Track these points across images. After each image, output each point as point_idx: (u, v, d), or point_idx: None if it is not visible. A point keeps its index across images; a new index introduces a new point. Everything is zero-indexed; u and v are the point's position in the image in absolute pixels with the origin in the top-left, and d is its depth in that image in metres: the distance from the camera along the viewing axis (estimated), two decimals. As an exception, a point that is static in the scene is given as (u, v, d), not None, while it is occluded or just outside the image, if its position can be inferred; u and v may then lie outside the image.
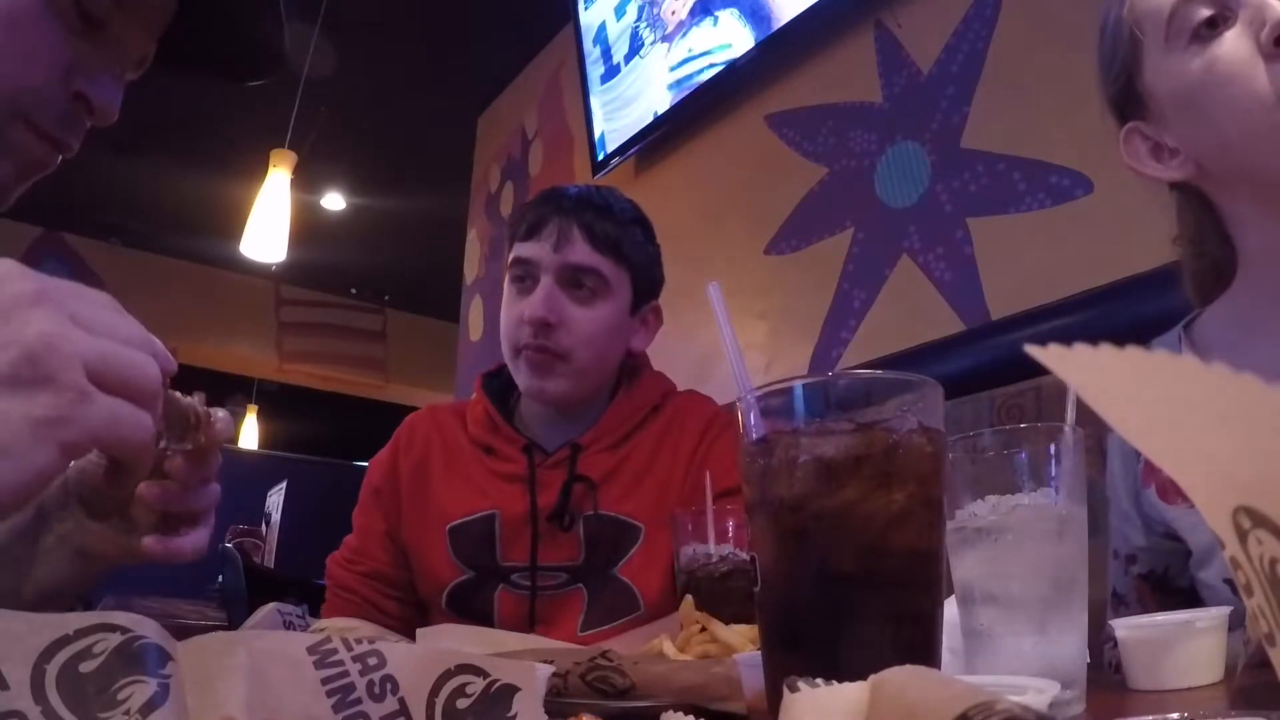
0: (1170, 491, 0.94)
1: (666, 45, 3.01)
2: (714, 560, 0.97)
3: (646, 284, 1.35)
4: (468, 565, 1.26)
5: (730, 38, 2.72)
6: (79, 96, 0.78)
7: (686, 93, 2.85)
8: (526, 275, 1.27)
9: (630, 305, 1.32)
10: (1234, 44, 0.77)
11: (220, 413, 0.70)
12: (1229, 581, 0.89)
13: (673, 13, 3.02)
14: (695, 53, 2.86)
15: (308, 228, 5.03)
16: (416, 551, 1.29)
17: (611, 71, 3.25)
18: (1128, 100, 0.89)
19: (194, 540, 0.76)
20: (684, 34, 2.92)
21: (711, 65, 2.78)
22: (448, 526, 1.27)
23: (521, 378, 1.28)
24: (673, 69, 2.95)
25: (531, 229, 1.27)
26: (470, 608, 1.26)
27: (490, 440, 1.30)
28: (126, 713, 0.37)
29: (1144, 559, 1.02)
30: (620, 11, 3.25)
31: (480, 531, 1.25)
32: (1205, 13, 0.79)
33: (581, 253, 1.25)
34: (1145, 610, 0.97)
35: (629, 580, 1.23)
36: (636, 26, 3.16)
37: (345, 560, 1.32)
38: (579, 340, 1.25)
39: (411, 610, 1.32)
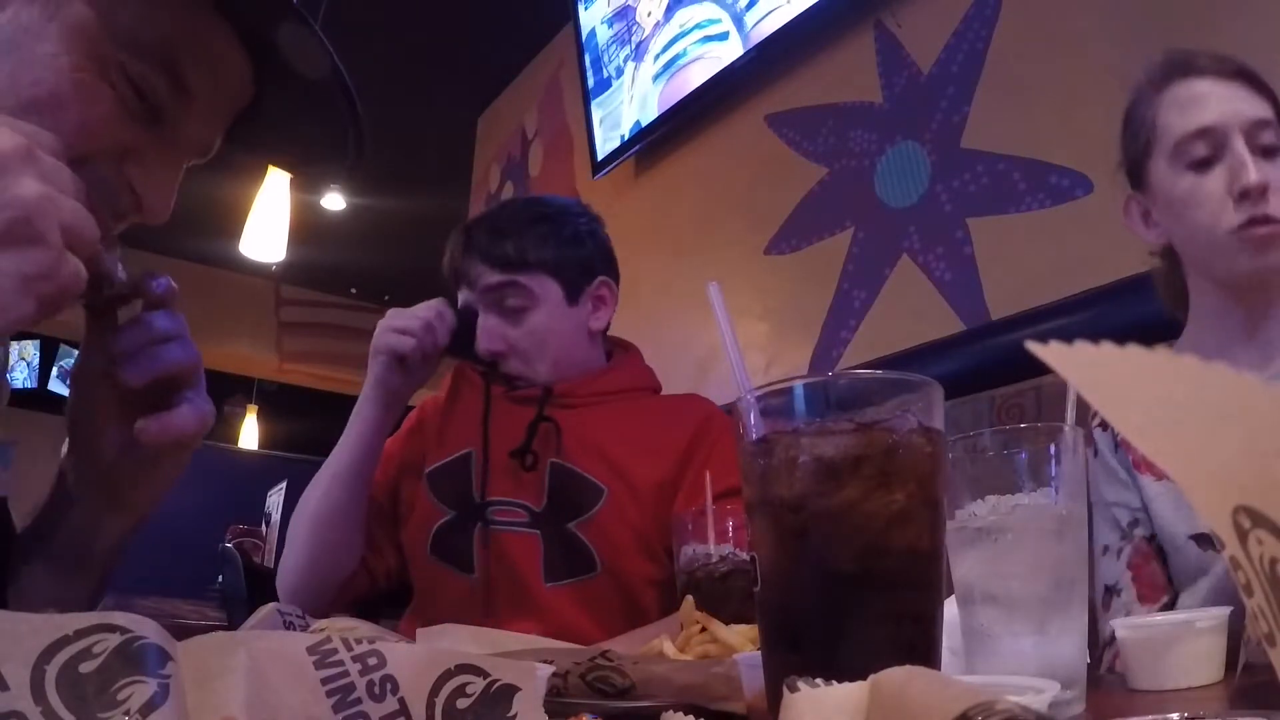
0: (1142, 464, 1.09)
1: (640, 63, 3.03)
2: (714, 560, 0.97)
3: (574, 271, 1.38)
4: (449, 505, 1.30)
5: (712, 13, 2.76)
6: (129, 189, 0.72)
7: (677, 84, 2.85)
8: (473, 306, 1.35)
9: (564, 298, 1.36)
10: (1214, 183, 1.02)
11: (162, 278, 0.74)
12: (1194, 538, 1.01)
13: (648, 14, 3.03)
14: (683, 29, 2.87)
15: (308, 228, 5.03)
16: (407, 501, 1.35)
17: (603, 85, 3.26)
18: (1136, 175, 1.13)
19: (196, 410, 0.72)
20: (666, 21, 2.94)
21: (702, 40, 2.80)
22: (426, 470, 1.33)
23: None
24: (656, 78, 2.97)
25: (458, 276, 1.37)
26: (452, 549, 1.29)
27: (476, 390, 1.37)
28: (126, 713, 0.37)
29: (1146, 521, 1.05)
30: (609, 23, 3.26)
31: (458, 470, 1.31)
32: (1202, 152, 1.03)
33: (489, 276, 1.33)
34: (1147, 586, 1.01)
35: (585, 539, 1.25)
36: (617, 46, 3.19)
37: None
38: (529, 354, 1.33)
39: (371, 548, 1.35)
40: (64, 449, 0.77)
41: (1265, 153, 1.02)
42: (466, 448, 1.32)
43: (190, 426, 0.72)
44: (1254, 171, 0.99)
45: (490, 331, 1.31)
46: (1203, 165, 1.03)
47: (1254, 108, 1.03)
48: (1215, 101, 1.04)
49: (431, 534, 1.30)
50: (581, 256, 1.39)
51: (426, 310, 1.30)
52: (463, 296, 1.36)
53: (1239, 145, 1.01)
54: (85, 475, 0.76)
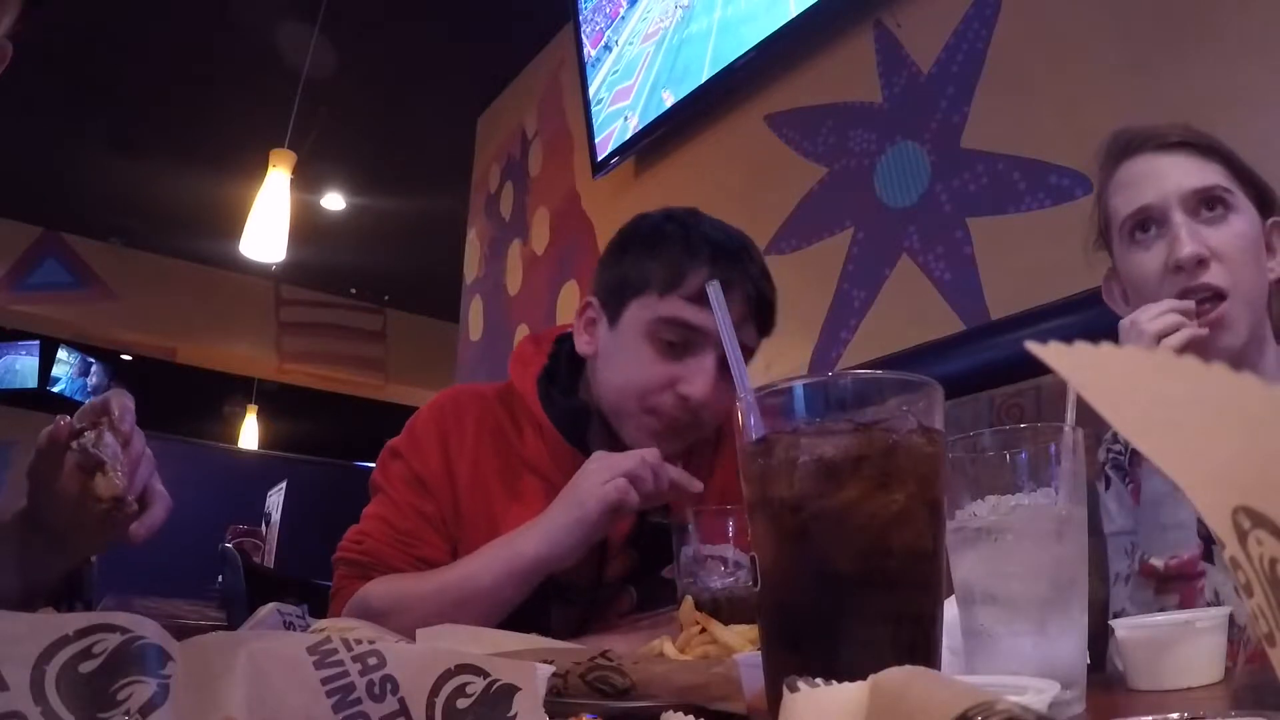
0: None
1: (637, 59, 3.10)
2: (713, 580, 0.97)
3: None
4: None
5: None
6: None
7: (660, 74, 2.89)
8: (683, 341, 1.16)
9: None
10: (1154, 258, 1.06)
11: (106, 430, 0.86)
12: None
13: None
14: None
15: (308, 228, 5.03)
16: (469, 537, 1.22)
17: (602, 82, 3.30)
18: (1108, 247, 1.17)
19: (164, 501, 0.90)
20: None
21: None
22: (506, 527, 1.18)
23: (640, 433, 1.19)
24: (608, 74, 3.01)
25: (734, 289, 1.13)
26: (514, 619, 1.15)
27: (557, 474, 1.19)
28: (126, 713, 0.37)
29: None
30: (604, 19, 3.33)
31: None
32: (1144, 229, 1.08)
33: (751, 337, 1.19)
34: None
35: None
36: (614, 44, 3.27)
37: (395, 540, 1.20)
38: (715, 414, 1.19)
39: None
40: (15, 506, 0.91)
41: (1217, 210, 1.04)
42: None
43: (165, 516, 0.90)
44: (1187, 244, 1.02)
45: (716, 387, 1.15)
46: (1147, 241, 1.08)
47: (1194, 176, 1.05)
48: (1153, 178, 1.07)
49: None
50: None
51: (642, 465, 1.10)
52: (698, 316, 1.14)
53: (1176, 218, 1.04)
54: (41, 531, 0.89)
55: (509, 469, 1.23)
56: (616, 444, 1.21)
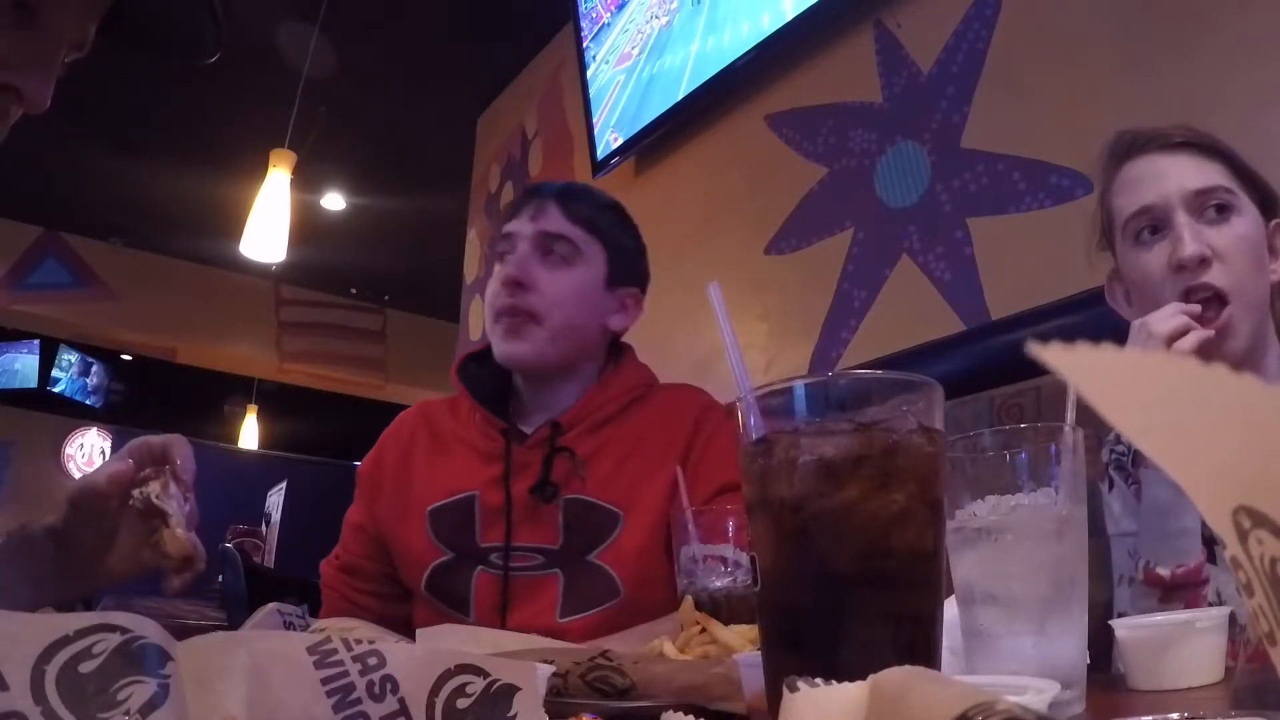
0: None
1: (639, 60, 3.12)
2: (713, 580, 0.96)
3: (624, 265, 1.40)
4: (447, 546, 1.28)
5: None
6: (6, 88, 0.78)
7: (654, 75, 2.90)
8: (507, 249, 1.35)
9: (605, 279, 1.37)
10: (1157, 257, 1.06)
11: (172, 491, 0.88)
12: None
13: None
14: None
15: (308, 228, 5.03)
16: (396, 537, 1.32)
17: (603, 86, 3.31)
18: (1110, 246, 1.17)
19: (200, 552, 0.90)
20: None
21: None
22: (428, 509, 1.30)
23: (497, 343, 1.33)
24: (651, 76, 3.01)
25: (514, 210, 1.39)
26: (448, 590, 1.27)
27: (480, 439, 1.33)
28: (126, 713, 0.37)
29: None
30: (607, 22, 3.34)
31: (460, 513, 1.28)
32: (1147, 229, 1.08)
33: (554, 221, 1.34)
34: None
35: (607, 566, 1.23)
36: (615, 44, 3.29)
37: (332, 555, 1.40)
38: (550, 302, 1.30)
39: (387, 605, 1.34)
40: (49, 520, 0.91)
41: (1220, 210, 1.04)
42: (467, 490, 1.29)
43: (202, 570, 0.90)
44: (1189, 245, 1.02)
45: (526, 262, 1.32)
46: (1150, 241, 1.08)
47: (1197, 177, 1.06)
48: (1155, 179, 1.08)
49: (427, 572, 1.28)
50: (632, 255, 1.42)
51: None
52: (509, 225, 1.37)
53: (1179, 219, 1.04)
54: (70, 552, 0.90)
55: (436, 444, 1.37)
56: (536, 407, 1.35)
